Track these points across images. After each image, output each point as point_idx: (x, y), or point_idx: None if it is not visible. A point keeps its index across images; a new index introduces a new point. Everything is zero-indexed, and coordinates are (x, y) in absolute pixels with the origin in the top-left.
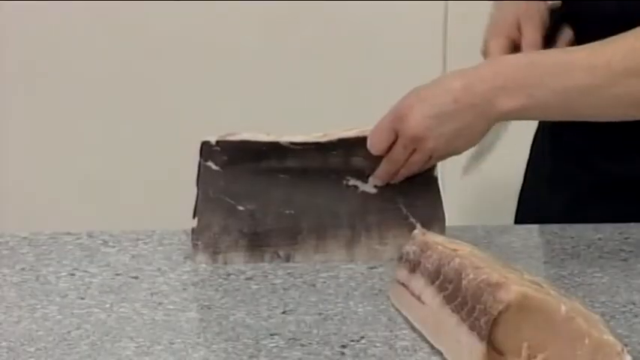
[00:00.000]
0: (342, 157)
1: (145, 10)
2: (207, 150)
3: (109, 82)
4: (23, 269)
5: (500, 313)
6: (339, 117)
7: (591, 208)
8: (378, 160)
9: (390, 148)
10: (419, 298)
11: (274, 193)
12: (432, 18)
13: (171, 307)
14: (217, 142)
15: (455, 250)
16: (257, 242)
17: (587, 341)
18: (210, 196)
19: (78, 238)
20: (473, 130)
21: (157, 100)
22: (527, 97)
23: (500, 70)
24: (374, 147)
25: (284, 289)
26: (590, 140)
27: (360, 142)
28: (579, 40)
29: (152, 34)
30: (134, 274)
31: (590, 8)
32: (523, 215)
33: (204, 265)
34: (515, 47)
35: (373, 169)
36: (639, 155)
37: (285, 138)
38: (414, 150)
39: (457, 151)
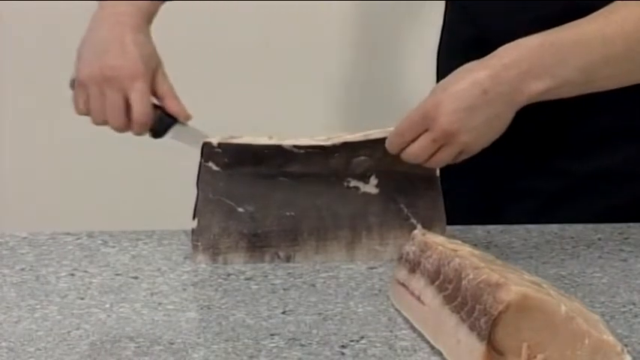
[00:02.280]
0: (344, 159)
1: None
2: (208, 151)
3: None
4: (23, 269)
5: (500, 313)
6: (341, 117)
7: (559, 213)
8: (381, 160)
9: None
10: (419, 299)
11: (275, 194)
12: (431, 18)
13: (171, 307)
14: (219, 144)
15: (455, 250)
16: (257, 244)
17: (587, 341)
18: (210, 198)
19: (78, 238)
20: (502, 119)
21: None
22: (551, 78)
23: (522, 56)
24: (397, 146)
25: (284, 289)
26: (546, 142)
27: (364, 144)
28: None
29: (153, 34)
30: (134, 275)
31: (530, 10)
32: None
33: (204, 266)
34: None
35: (376, 170)
36: (597, 150)
37: (288, 141)
38: (441, 146)
39: (487, 143)
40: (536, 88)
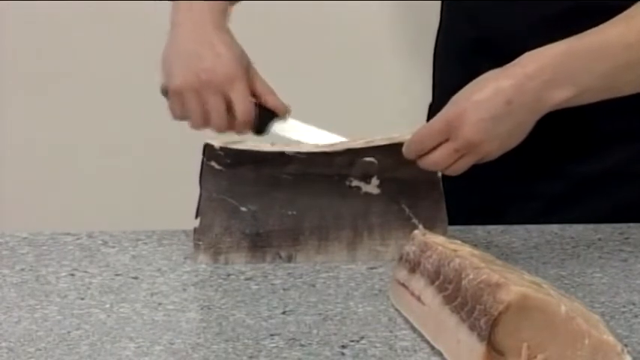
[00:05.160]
0: (346, 160)
1: (146, 10)
2: (210, 152)
3: (109, 81)
4: (23, 269)
5: (500, 313)
6: (342, 119)
7: (559, 214)
8: (385, 166)
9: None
10: (419, 299)
11: (277, 193)
12: (431, 18)
13: (171, 307)
14: (221, 147)
15: (455, 250)
16: (259, 243)
17: (587, 341)
18: (214, 197)
19: (78, 239)
20: (523, 128)
21: (158, 99)
22: (574, 87)
23: (545, 64)
24: (415, 153)
25: (284, 289)
26: (546, 144)
27: (367, 152)
28: (520, 43)
29: (153, 34)
30: (134, 275)
31: (533, 10)
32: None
33: (204, 266)
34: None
35: (378, 171)
36: (598, 152)
37: (290, 148)
38: (462, 155)
39: (506, 150)
40: (559, 97)
